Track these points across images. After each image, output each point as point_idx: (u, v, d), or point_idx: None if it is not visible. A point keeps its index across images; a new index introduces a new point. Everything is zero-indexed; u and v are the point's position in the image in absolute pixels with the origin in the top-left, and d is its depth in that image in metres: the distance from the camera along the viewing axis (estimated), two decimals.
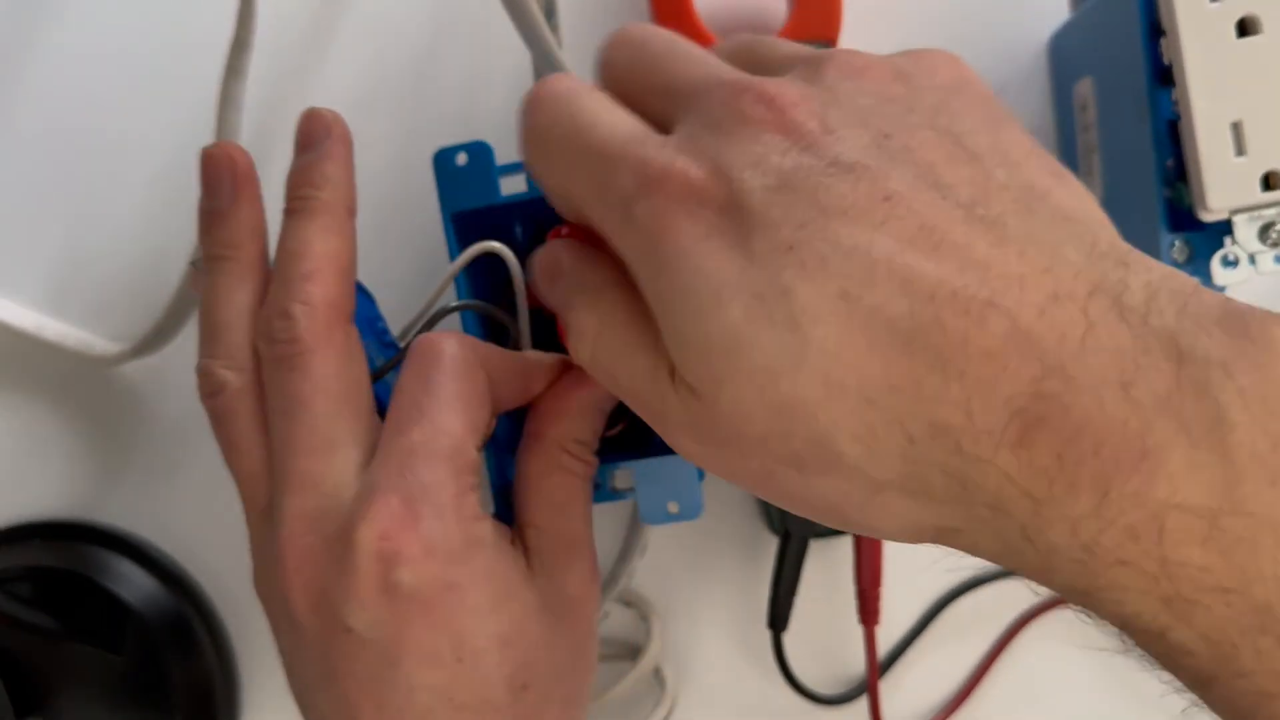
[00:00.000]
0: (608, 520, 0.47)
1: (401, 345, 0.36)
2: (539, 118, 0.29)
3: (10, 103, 0.48)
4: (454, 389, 0.31)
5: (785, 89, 0.26)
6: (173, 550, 0.47)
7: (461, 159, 0.37)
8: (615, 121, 0.28)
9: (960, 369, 0.22)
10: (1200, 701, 0.23)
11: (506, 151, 0.38)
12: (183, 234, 0.43)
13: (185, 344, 0.45)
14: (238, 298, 0.34)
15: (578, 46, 0.45)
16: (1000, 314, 0.22)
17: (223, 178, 0.35)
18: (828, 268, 0.23)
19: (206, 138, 0.42)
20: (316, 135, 0.35)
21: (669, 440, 0.28)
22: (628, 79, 0.30)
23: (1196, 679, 0.22)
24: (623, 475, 0.38)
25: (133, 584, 0.45)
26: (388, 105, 0.47)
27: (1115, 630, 0.23)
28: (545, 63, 0.39)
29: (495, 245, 0.35)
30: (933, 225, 0.23)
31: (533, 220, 0.40)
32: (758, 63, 0.29)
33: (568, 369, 0.34)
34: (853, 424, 0.23)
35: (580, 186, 0.28)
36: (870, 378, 0.23)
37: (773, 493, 0.26)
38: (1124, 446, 0.21)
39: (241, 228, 0.35)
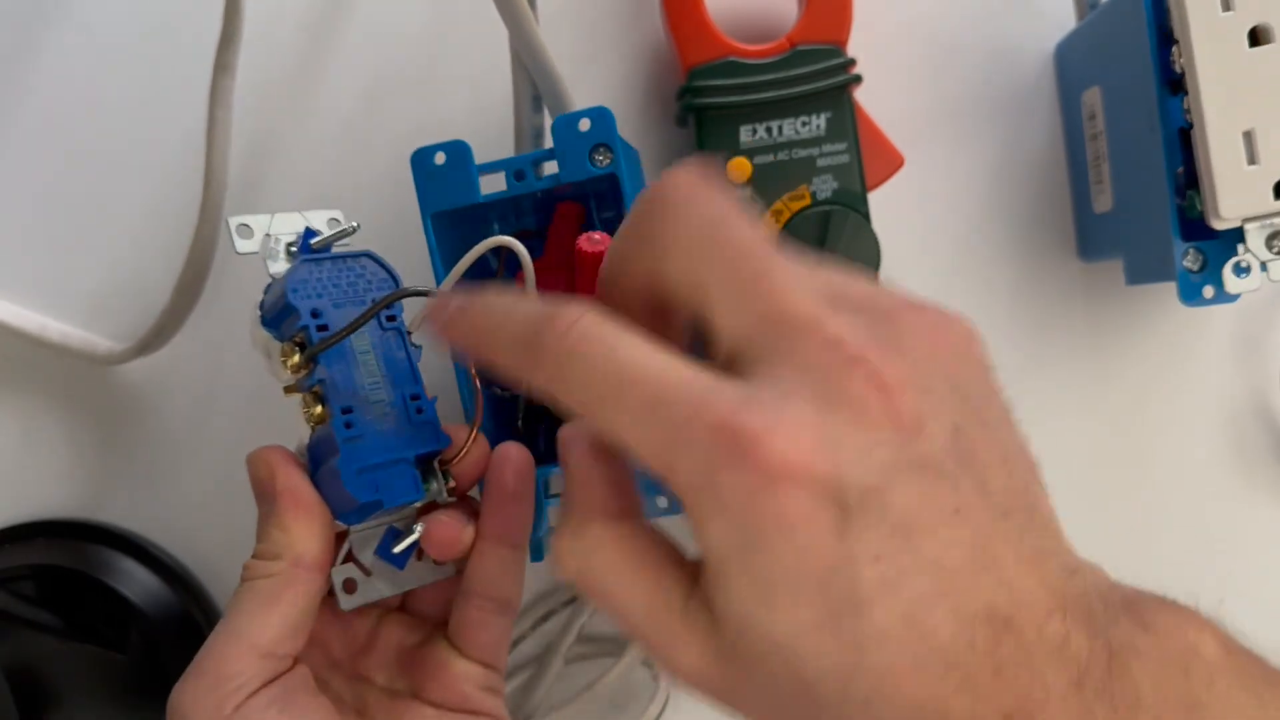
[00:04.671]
0: None
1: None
2: (572, 372, 0.26)
3: (10, 105, 0.47)
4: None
5: (888, 368, 0.25)
6: (176, 548, 0.47)
7: (440, 158, 0.37)
8: (670, 369, 0.25)
9: (978, 685, 0.24)
10: None
11: (494, 151, 0.38)
12: (182, 234, 0.43)
13: (187, 343, 0.45)
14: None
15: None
16: (1013, 633, 0.24)
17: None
18: (902, 587, 0.24)
19: (204, 135, 0.42)
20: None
21: (671, 674, 0.27)
22: (684, 283, 0.27)
23: None
24: None
25: (136, 582, 0.45)
26: (387, 106, 0.47)
27: None
28: (524, 46, 0.38)
29: (508, 240, 0.35)
30: (984, 543, 0.25)
31: (513, 219, 0.41)
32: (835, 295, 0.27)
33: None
34: None
35: (643, 444, 0.25)
36: (904, 701, 0.24)
37: None
38: None
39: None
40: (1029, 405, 0.47)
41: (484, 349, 0.29)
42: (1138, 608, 0.26)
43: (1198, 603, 0.27)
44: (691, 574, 0.26)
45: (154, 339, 0.44)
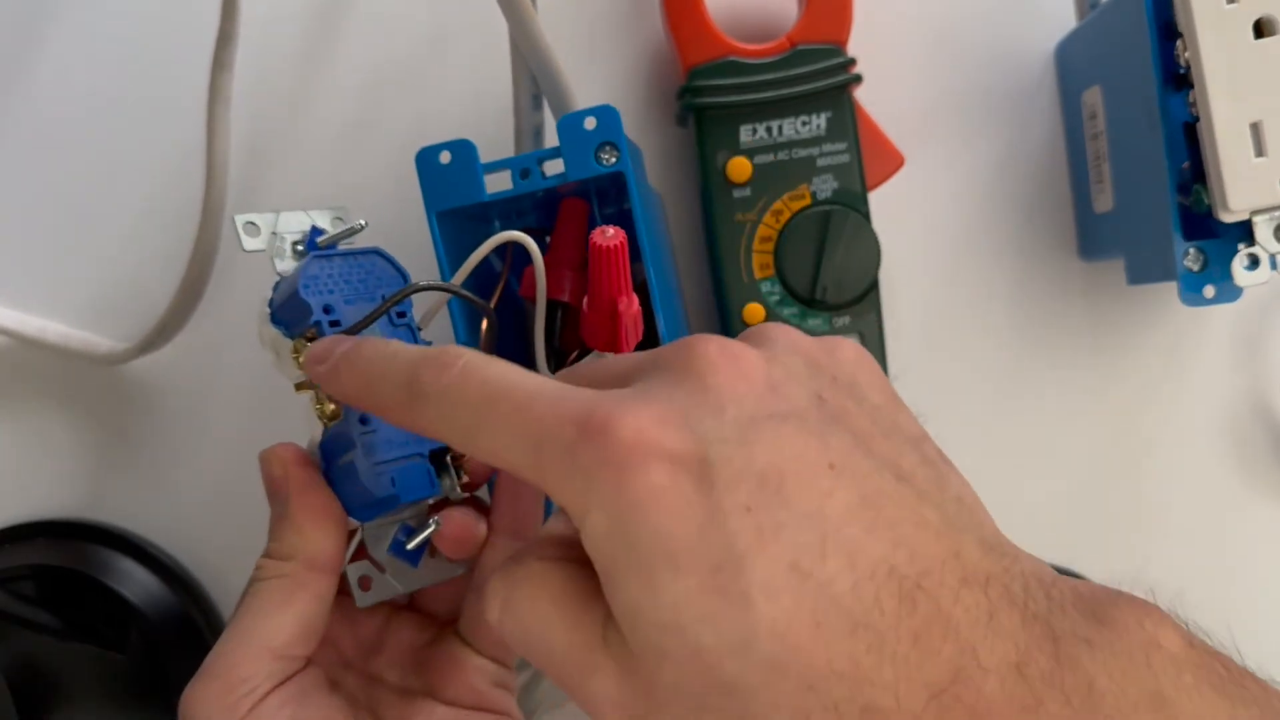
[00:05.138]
0: None
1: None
2: (450, 406, 0.27)
3: (10, 105, 0.47)
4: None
5: (736, 344, 0.26)
6: (175, 549, 0.47)
7: (445, 157, 0.37)
8: (535, 381, 0.26)
9: (893, 650, 0.23)
10: None
11: (491, 148, 0.38)
12: (183, 233, 0.42)
13: (187, 342, 0.45)
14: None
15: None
16: (926, 596, 0.23)
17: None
18: (781, 537, 0.23)
19: (202, 136, 0.42)
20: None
21: (587, 708, 0.26)
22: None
23: None
24: None
25: (136, 582, 0.45)
26: (385, 104, 0.47)
27: None
28: (527, 42, 0.38)
29: (518, 235, 0.35)
30: (870, 497, 0.24)
31: (514, 217, 0.40)
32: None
33: None
34: (790, 708, 0.23)
35: (516, 455, 0.26)
36: (813, 663, 0.23)
37: None
38: None
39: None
40: (1028, 405, 0.48)
41: (366, 396, 0.29)
42: (1090, 601, 0.25)
43: (1162, 597, 0.25)
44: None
45: (155, 339, 0.44)
